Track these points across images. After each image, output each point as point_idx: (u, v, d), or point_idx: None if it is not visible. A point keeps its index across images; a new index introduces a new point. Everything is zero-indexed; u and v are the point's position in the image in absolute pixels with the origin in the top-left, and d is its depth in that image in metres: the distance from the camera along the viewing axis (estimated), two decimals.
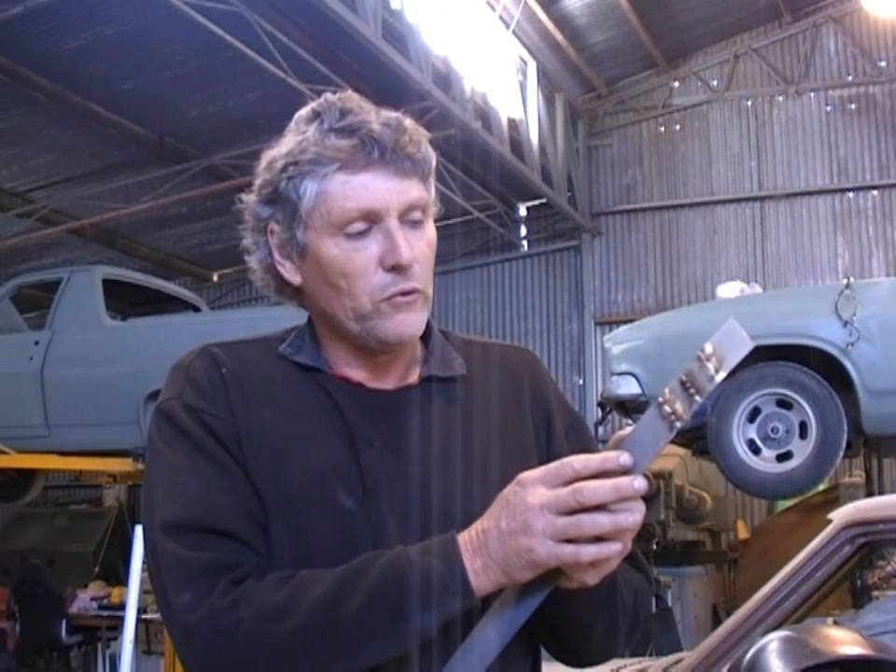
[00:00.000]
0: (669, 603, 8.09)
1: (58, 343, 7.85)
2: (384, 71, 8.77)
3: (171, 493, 1.25)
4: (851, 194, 12.31)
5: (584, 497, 1.10)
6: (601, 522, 1.11)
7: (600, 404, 7.01)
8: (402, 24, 8.68)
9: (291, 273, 1.34)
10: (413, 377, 1.38)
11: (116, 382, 7.39)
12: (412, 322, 1.30)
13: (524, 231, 13.89)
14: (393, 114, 1.31)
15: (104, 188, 11.35)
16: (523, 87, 11.15)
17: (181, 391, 1.31)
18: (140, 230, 12.93)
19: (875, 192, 12.21)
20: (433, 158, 1.32)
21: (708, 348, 1.12)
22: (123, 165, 11.24)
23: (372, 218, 1.27)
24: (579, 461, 1.12)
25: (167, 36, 9.00)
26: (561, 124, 12.22)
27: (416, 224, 1.30)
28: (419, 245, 1.30)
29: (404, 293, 1.28)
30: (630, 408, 6.38)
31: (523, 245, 13.85)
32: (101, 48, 9.08)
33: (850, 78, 12.47)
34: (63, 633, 8.84)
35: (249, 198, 1.35)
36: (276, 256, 1.34)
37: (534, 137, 11.27)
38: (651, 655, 6.75)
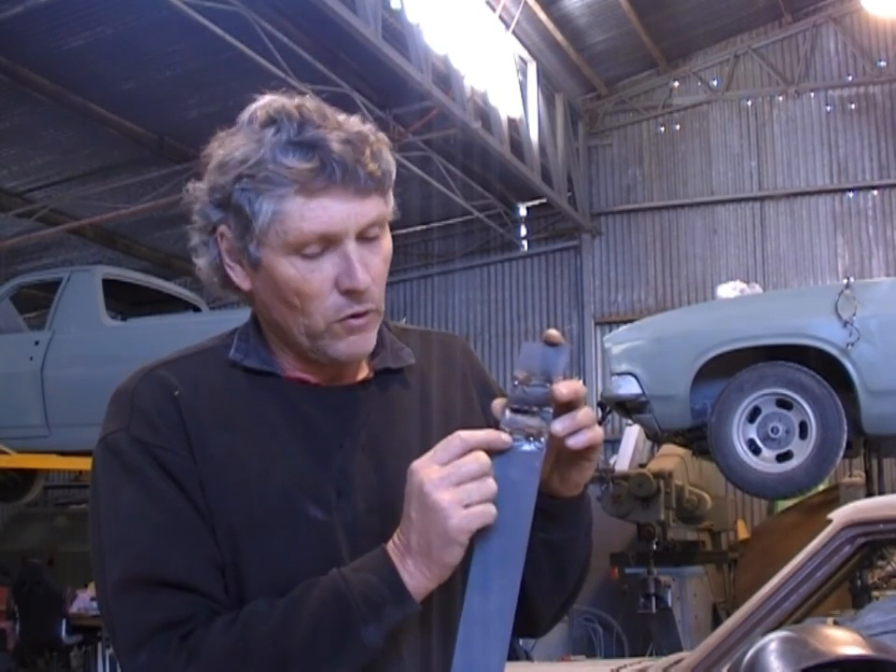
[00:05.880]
0: (669, 603, 8.09)
1: (58, 342, 7.84)
2: (384, 71, 8.77)
3: (119, 542, 1.22)
4: (851, 194, 12.31)
5: (484, 458, 1.14)
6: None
7: (600, 404, 6.98)
8: (402, 24, 8.67)
9: (241, 279, 1.30)
10: (365, 370, 1.36)
11: (116, 382, 7.29)
12: (364, 343, 1.28)
13: (524, 231, 13.90)
14: (354, 124, 1.25)
15: (104, 188, 11.35)
16: (523, 87, 11.15)
17: (127, 422, 1.26)
18: (140, 230, 12.92)
19: (875, 192, 12.22)
20: (393, 166, 1.28)
21: (521, 374, 1.18)
22: (123, 165, 11.24)
23: (330, 240, 1.23)
24: (465, 433, 1.16)
25: (167, 36, 9.00)
26: (561, 124, 12.22)
27: (373, 240, 1.27)
28: (375, 262, 1.27)
29: (358, 315, 1.26)
30: (630, 408, 6.37)
31: (523, 245, 13.85)
32: (101, 48, 9.08)
33: (850, 78, 12.48)
34: (63, 633, 8.85)
35: (198, 196, 1.33)
36: (226, 259, 1.30)
37: (534, 137, 11.27)
38: (651, 655, 6.76)
